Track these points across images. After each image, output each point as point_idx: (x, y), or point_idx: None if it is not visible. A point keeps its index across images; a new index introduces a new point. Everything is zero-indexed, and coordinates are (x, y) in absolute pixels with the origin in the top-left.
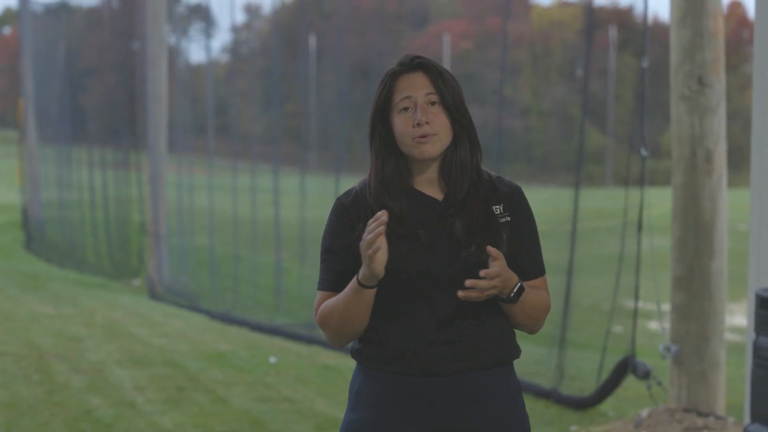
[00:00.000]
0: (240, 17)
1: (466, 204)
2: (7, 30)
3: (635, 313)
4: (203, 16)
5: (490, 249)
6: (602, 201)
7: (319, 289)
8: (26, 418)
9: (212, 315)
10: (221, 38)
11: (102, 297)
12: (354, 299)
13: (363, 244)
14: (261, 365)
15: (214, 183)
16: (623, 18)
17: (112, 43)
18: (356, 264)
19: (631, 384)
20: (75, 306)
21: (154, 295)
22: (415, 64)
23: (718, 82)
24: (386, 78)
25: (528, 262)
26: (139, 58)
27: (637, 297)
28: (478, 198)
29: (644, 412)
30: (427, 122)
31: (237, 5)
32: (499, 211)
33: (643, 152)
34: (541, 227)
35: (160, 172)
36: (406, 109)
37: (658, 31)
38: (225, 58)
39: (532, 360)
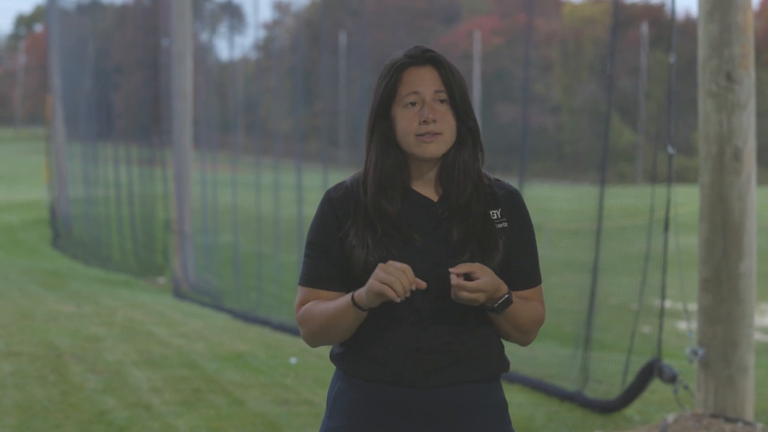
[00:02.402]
0: (270, 14)
1: (465, 209)
2: (38, 28)
3: (661, 315)
4: (233, 13)
5: (473, 267)
6: (632, 199)
7: (299, 284)
8: (39, 420)
9: (235, 314)
10: (252, 36)
11: (124, 295)
12: (344, 315)
13: (383, 274)
14: (280, 366)
15: (238, 180)
16: (655, 14)
17: (140, 40)
18: (339, 260)
19: (658, 387)
20: (96, 305)
21: (179, 293)
22: (426, 58)
23: (748, 78)
24: (392, 69)
25: (522, 270)
26: (167, 55)
27: (663, 298)
28: (478, 202)
29: (670, 418)
30: (434, 120)
31: (265, 2)
32: (496, 216)
33: (670, 150)
34: (569, 225)
35: (185, 170)
36: (412, 104)
37: (690, 26)
38: (254, 56)
39: (556, 362)
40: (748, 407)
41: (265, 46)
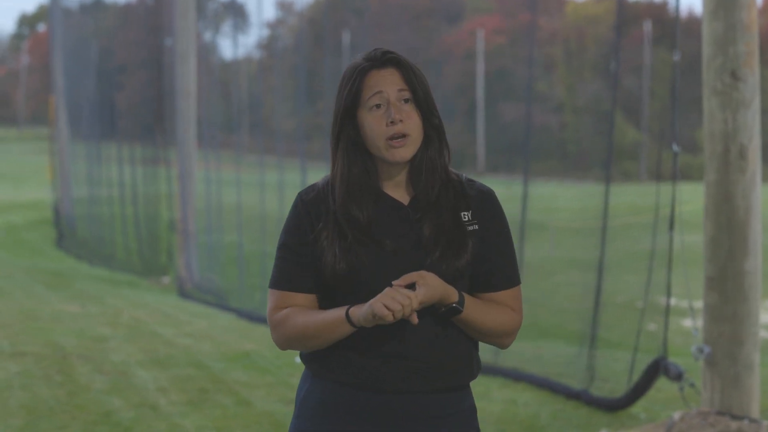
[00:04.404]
0: (274, 13)
1: (435, 208)
2: (41, 27)
3: (667, 313)
4: (237, 12)
5: (415, 277)
6: (636, 197)
7: (272, 287)
8: (44, 421)
9: (240, 313)
10: (256, 35)
11: (128, 295)
12: (334, 328)
13: (391, 301)
14: (286, 366)
15: (242, 179)
16: (658, 13)
17: (143, 39)
18: (312, 263)
19: (663, 385)
20: (100, 305)
21: (183, 293)
22: (387, 60)
23: (752, 76)
24: (354, 73)
25: (496, 272)
26: (170, 54)
27: (669, 296)
28: (447, 200)
29: (676, 415)
30: (401, 120)
31: (268, 1)
32: (467, 218)
33: (675, 148)
34: (573, 224)
35: (189, 169)
36: (378, 106)
37: (695, 24)
38: (257, 55)
39: (562, 360)
40: (754, 405)
41: (268, 45)
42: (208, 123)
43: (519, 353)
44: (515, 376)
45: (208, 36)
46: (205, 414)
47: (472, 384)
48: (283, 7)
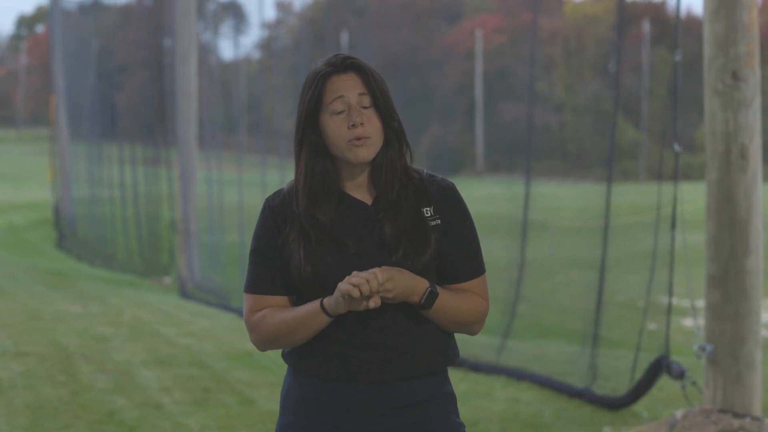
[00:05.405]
0: (273, 14)
1: (396, 207)
2: (40, 28)
3: (669, 312)
4: (236, 12)
5: (381, 270)
6: (636, 196)
7: (246, 291)
8: (49, 420)
9: (242, 313)
10: (254, 35)
11: (130, 295)
12: (310, 321)
13: (354, 278)
14: None
15: (243, 179)
16: (657, 12)
17: (143, 39)
18: (282, 267)
19: (666, 383)
20: (102, 304)
21: (185, 293)
22: (348, 65)
23: (753, 76)
24: (316, 79)
25: (461, 262)
26: (170, 54)
27: (671, 295)
28: (407, 200)
29: (679, 413)
30: (362, 123)
31: (268, 2)
32: (429, 214)
33: (676, 148)
34: (573, 223)
35: (190, 169)
36: (339, 110)
37: (694, 24)
38: (257, 55)
39: (564, 359)
40: (756, 403)
41: (267, 45)
42: (208, 123)
43: (521, 352)
44: (518, 375)
45: (207, 36)
46: (208, 413)
47: (472, 384)
48: (283, 8)
